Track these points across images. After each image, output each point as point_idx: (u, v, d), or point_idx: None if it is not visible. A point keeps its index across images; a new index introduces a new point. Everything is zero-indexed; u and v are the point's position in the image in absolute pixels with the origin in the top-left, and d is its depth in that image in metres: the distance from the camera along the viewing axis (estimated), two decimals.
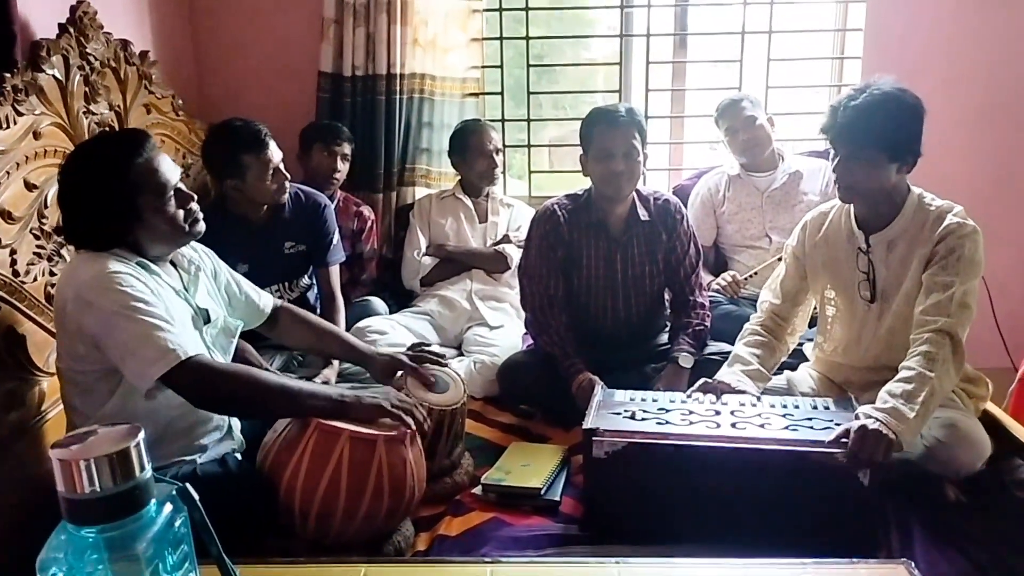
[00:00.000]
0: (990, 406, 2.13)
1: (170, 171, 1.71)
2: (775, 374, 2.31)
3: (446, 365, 2.13)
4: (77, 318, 1.59)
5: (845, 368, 2.15)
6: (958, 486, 1.92)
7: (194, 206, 1.75)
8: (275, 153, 2.43)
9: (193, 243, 1.92)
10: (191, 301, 1.78)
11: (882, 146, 1.88)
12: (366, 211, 3.14)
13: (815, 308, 2.26)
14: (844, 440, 1.68)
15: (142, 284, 1.62)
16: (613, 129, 2.35)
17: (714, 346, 2.52)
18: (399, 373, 2.01)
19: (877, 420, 1.68)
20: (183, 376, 1.55)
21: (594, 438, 1.79)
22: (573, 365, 2.37)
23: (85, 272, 1.60)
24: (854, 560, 1.26)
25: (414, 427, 1.74)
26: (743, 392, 2.00)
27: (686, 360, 2.39)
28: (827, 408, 1.91)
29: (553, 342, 2.45)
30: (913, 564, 1.25)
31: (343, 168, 3.03)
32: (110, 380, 1.65)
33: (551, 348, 2.45)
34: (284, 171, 2.47)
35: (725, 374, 2.10)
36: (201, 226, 1.78)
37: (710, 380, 2.06)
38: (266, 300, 2.09)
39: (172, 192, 1.70)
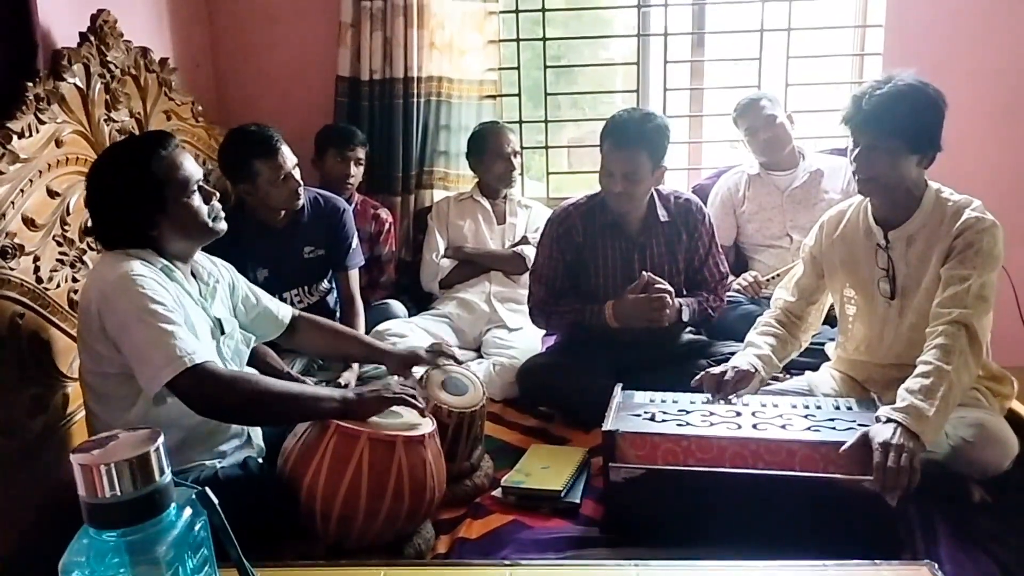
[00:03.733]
0: (1016, 405, 2.10)
1: (193, 167, 1.76)
2: (796, 375, 2.29)
3: (461, 363, 2.15)
4: (100, 317, 1.62)
5: (867, 366, 2.13)
6: (983, 486, 1.89)
7: (216, 204, 1.79)
8: (288, 159, 2.43)
9: (213, 257, 1.94)
10: (208, 311, 1.79)
11: (904, 137, 1.86)
12: (383, 213, 3.14)
13: (834, 307, 2.24)
14: (862, 446, 1.65)
15: (164, 289, 1.64)
16: (617, 150, 2.33)
17: (735, 346, 2.49)
18: (415, 369, 2.02)
19: (897, 423, 1.66)
20: (188, 383, 1.56)
21: (611, 464, 1.78)
22: (592, 310, 2.42)
23: (110, 273, 1.63)
24: (876, 562, 1.24)
25: (419, 407, 1.78)
26: (743, 373, 2.01)
27: (685, 314, 2.44)
28: (849, 408, 1.89)
29: (564, 312, 2.50)
30: (936, 566, 1.22)
31: (356, 173, 3.03)
32: (130, 386, 1.66)
33: (566, 318, 2.49)
34: (298, 177, 2.46)
35: (737, 359, 2.09)
36: (223, 224, 1.81)
37: (713, 372, 2.04)
38: (284, 311, 2.10)
39: (196, 186, 1.74)
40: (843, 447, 1.66)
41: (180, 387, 1.56)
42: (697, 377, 2.05)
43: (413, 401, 1.76)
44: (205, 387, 1.57)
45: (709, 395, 2.00)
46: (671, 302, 2.33)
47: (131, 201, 1.68)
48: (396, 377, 2.04)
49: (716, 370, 2.04)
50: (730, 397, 1.98)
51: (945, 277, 1.88)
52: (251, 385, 1.64)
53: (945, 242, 1.91)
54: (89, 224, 1.86)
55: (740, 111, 2.98)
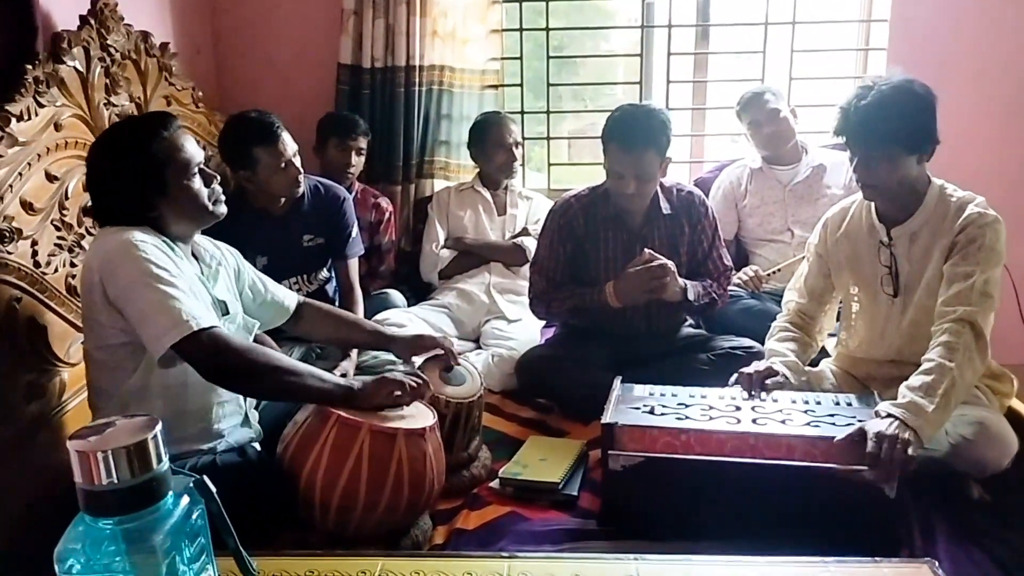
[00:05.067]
0: (1016, 403, 2.09)
1: (195, 149, 1.75)
2: None
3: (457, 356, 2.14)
4: (102, 285, 1.61)
5: (867, 363, 2.13)
6: (983, 484, 1.89)
7: (217, 187, 1.79)
8: (288, 146, 2.41)
9: (217, 241, 1.94)
10: (210, 291, 1.78)
11: (899, 140, 1.85)
12: (384, 202, 3.13)
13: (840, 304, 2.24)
14: (857, 440, 1.64)
15: (166, 257, 1.64)
16: (626, 154, 2.30)
17: (735, 340, 2.50)
18: (414, 359, 2.01)
19: (895, 418, 1.66)
20: (196, 347, 1.55)
21: (610, 452, 1.77)
22: (593, 292, 2.41)
23: (111, 241, 1.63)
24: (877, 559, 1.24)
25: (419, 390, 1.77)
26: (778, 375, 1.98)
27: (691, 293, 2.42)
28: (849, 404, 1.88)
29: (564, 297, 2.49)
30: (937, 564, 1.22)
31: (357, 162, 3.02)
32: (133, 355, 1.66)
33: (567, 303, 2.48)
34: (298, 165, 2.45)
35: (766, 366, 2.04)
36: (223, 207, 1.80)
37: (749, 370, 2.00)
38: (290, 298, 2.10)
39: (197, 169, 1.74)
40: (837, 438, 1.66)
41: (186, 351, 1.56)
42: (734, 377, 2.02)
43: (415, 387, 1.75)
44: (213, 351, 1.57)
45: (744, 392, 1.96)
46: (672, 271, 2.32)
47: (131, 181, 1.68)
48: (401, 366, 2.04)
49: (751, 369, 2.01)
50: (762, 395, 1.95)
51: (948, 274, 1.88)
52: (259, 353, 1.63)
53: (948, 238, 1.90)
54: (88, 206, 1.85)
55: (744, 105, 2.97)
